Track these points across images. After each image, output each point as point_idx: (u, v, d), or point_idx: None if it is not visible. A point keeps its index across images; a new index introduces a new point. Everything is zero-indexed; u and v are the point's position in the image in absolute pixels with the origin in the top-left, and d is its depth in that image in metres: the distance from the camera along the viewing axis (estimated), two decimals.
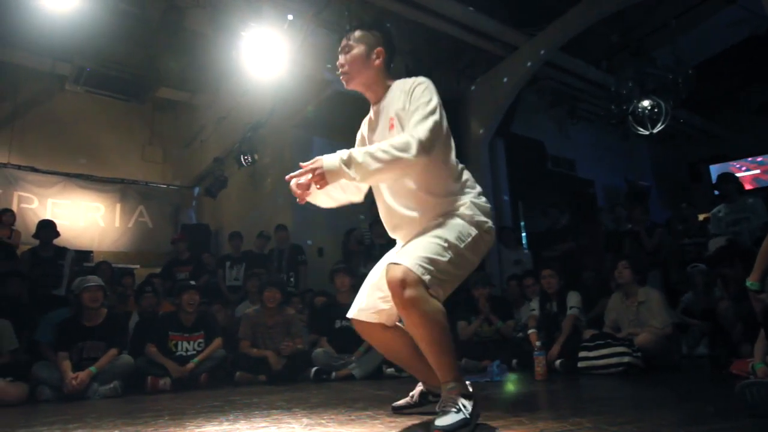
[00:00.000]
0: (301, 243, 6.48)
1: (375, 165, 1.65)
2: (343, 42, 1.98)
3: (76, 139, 8.77)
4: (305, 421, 2.02)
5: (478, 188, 1.97)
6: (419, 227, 1.86)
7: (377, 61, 1.95)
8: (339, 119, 6.89)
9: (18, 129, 8.29)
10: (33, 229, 5.71)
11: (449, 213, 1.85)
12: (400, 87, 1.91)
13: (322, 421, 1.98)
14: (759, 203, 4.91)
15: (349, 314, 2.01)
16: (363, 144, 2.11)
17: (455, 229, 1.80)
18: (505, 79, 6.77)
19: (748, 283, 2.24)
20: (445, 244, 1.74)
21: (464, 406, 1.63)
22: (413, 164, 1.70)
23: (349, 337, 4.48)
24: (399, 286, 1.62)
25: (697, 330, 4.83)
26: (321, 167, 1.66)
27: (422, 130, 1.71)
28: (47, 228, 5.59)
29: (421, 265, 1.65)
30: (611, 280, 4.36)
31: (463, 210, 1.85)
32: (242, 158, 7.18)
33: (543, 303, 4.50)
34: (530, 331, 4.21)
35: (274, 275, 5.78)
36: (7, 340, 3.91)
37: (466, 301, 4.87)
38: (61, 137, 8.61)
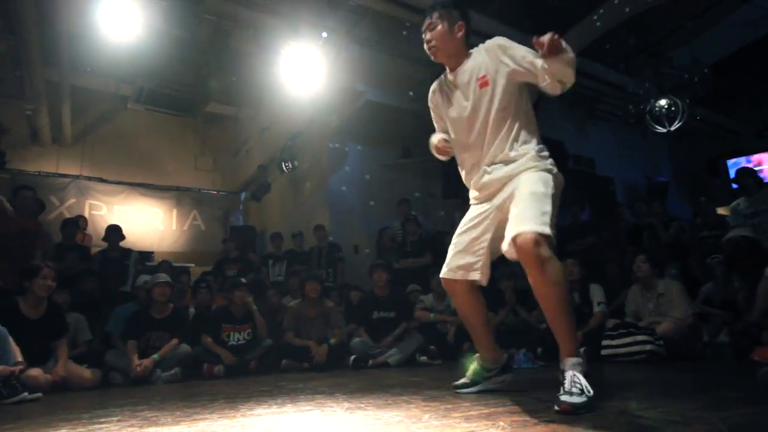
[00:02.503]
0: (338, 241, 6.52)
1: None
2: (426, 21, 2.09)
3: (137, 152, 9.06)
4: (346, 404, 2.03)
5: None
6: (508, 180, 1.97)
7: (459, 34, 2.06)
8: (371, 127, 6.93)
9: (88, 145, 8.63)
10: (102, 233, 5.89)
11: (530, 165, 1.95)
12: (483, 51, 2.05)
13: (362, 405, 1.99)
14: None
15: (441, 274, 2.14)
16: (437, 107, 2.22)
17: (543, 178, 1.90)
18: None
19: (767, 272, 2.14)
20: (547, 198, 1.83)
21: (587, 388, 1.61)
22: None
23: (386, 328, 4.52)
24: (534, 250, 1.70)
25: (718, 319, 4.65)
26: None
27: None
28: (114, 232, 5.76)
29: (544, 224, 1.74)
30: (632, 272, 4.23)
31: (540, 161, 1.97)
32: (283, 165, 7.29)
33: None
34: None
35: (313, 271, 5.84)
36: (82, 333, 4.09)
37: (492, 293, 4.81)
38: (124, 151, 8.91)
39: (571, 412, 1.53)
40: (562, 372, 1.71)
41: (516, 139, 2.01)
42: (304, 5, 5.51)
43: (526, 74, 1.95)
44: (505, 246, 1.83)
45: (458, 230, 2.14)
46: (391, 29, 6.25)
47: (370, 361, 4.30)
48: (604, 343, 3.69)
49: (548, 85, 1.88)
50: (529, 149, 1.98)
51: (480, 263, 2.05)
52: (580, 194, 7.53)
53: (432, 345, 4.44)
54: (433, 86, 2.22)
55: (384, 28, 6.24)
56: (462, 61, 2.09)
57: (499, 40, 2.02)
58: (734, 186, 5.32)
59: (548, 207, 1.80)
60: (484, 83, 2.00)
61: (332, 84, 6.08)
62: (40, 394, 2.99)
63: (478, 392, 2.18)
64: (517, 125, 2.01)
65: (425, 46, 2.10)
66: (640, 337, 3.52)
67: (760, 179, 5.03)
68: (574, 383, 1.63)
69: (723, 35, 7.28)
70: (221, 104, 8.81)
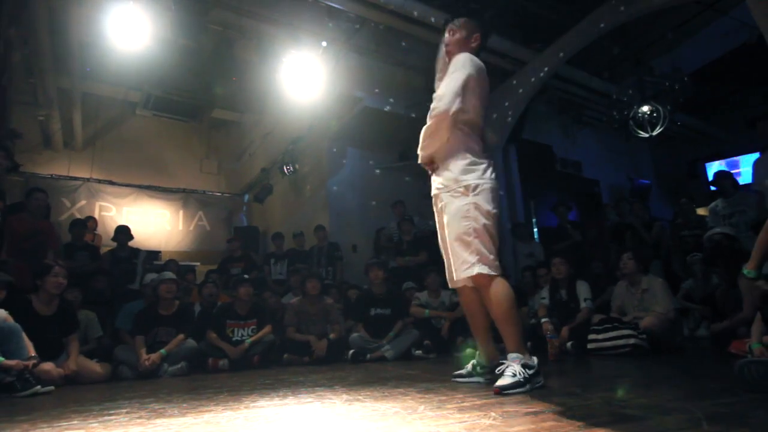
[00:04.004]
0: (337, 241, 6.52)
1: None
2: (449, 26, 2.21)
3: (145, 156, 9.04)
4: (345, 397, 2.04)
5: None
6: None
7: (474, 44, 2.18)
8: (369, 132, 6.93)
9: (98, 149, 8.61)
10: (112, 233, 5.89)
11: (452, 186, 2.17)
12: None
13: (360, 397, 1.99)
14: (753, 197, 4.71)
15: (450, 285, 2.26)
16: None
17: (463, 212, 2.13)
18: (520, 90, 6.67)
19: (745, 271, 2.15)
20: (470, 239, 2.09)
21: (520, 373, 1.87)
22: None
23: (382, 324, 4.52)
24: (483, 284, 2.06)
25: (697, 314, 4.68)
26: None
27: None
28: (123, 232, 5.75)
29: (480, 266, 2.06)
30: (617, 269, 4.25)
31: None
32: (285, 168, 7.28)
33: (553, 291, 4.40)
34: (543, 320, 4.11)
35: (313, 269, 5.84)
36: (93, 329, 4.08)
37: None
38: (133, 155, 8.89)
39: (500, 393, 1.83)
40: (501, 364, 2.02)
41: (450, 151, 2.10)
42: (304, 15, 5.52)
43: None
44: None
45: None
46: (389, 39, 6.26)
47: (368, 356, 4.29)
48: (590, 337, 3.70)
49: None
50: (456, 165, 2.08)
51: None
52: (568, 196, 7.58)
53: (427, 340, 4.44)
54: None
55: (381, 37, 6.25)
56: None
57: (461, 55, 2.12)
58: (712, 188, 5.35)
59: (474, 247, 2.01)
60: None
61: (332, 91, 6.08)
62: (52, 387, 2.98)
63: (470, 383, 2.19)
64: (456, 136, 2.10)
65: (443, 48, 2.21)
66: (624, 332, 3.53)
67: (736, 181, 5.06)
68: (507, 371, 1.90)
69: (701, 45, 7.33)
70: (225, 110, 8.83)
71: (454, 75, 2.03)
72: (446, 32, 2.20)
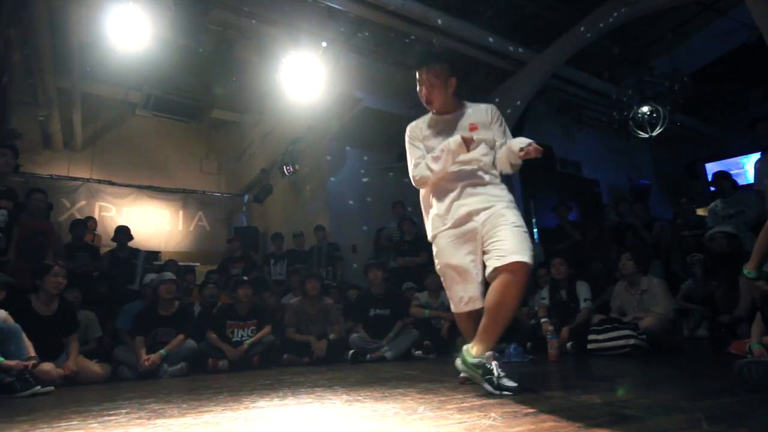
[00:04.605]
0: (337, 241, 6.52)
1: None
2: (423, 75, 2.19)
3: (145, 156, 9.03)
4: (345, 397, 2.03)
5: None
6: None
7: (451, 90, 2.21)
8: (368, 132, 6.93)
9: (98, 149, 8.61)
10: (111, 233, 5.86)
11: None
12: (478, 106, 2.27)
13: (360, 398, 1.99)
14: (752, 197, 4.71)
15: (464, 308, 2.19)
16: (426, 142, 2.28)
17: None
18: (520, 91, 6.67)
19: (745, 271, 2.15)
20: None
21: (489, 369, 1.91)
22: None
23: (382, 324, 4.52)
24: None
25: (697, 314, 4.68)
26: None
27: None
28: (123, 232, 5.74)
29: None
30: (616, 269, 4.25)
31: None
32: (285, 168, 7.28)
33: (553, 291, 4.40)
34: (542, 320, 4.11)
35: (313, 269, 5.84)
36: (93, 330, 4.07)
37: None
38: (133, 155, 8.89)
39: (464, 382, 2.11)
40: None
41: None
42: (304, 16, 5.52)
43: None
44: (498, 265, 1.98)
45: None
46: (388, 39, 6.26)
47: (368, 356, 4.29)
48: (590, 337, 3.70)
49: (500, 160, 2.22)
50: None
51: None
52: (568, 196, 7.58)
53: (427, 340, 4.43)
54: (421, 125, 2.31)
55: (381, 37, 6.25)
56: (453, 108, 2.25)
57: (496, 110, 2.28)
58: (712, 188, 5.35)
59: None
60: (475, 128, 2.19)
61: (331, 91, 6.08)
62: (52, 388, 2.98)
63: (469, 383, 2.16)
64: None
65: (422, 99, 2.22)
66: (624, 332, 3.53)
67: (735, 182, 5.06)
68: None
69: (701, 45, 7.33)
70: (225, 110, 8.83)
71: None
72: (421, 82, 2.20)
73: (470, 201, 2.12)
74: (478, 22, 5.86)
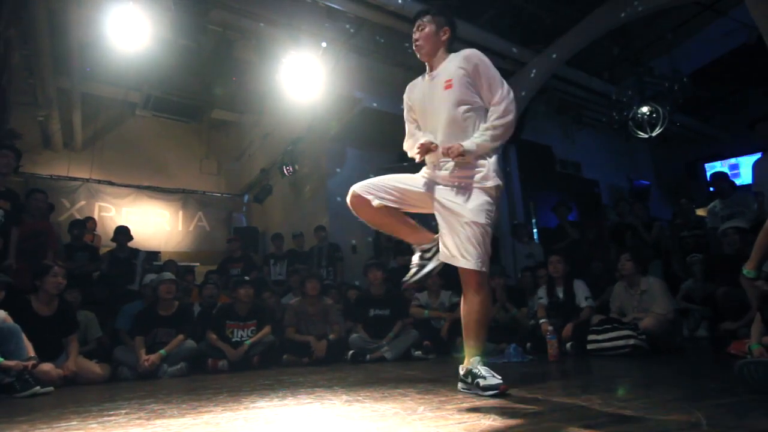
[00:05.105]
0: (337, 242, 6.52)
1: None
2: (417, 22, 2.21)
3: (144, 157, 9.03)
4: (344, 397, 2.03)
5: None
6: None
7: (444, 37, 2.19)
8: (368, 132, 6.92)
9: (98, 149, 8.60)
10: (111, 233, 5.87)
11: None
12: (456, 56, 2.14)
13: (359, 398, 1.99)
14: (751, 197, 4.71)
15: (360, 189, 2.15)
16: (411, 108, 2.31)
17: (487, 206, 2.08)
18: (520, 91, 6.67)
19: (744, 271, 2.15)
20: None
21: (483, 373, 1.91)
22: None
23: (381, 324, 4.52)
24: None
25: (697, 314, 4.68)
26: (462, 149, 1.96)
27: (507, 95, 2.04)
28: (123, 233, 5.74)
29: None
30: (616, 270, 4.25)
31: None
32: (284, 169, 7.27)
33: (550, 290, 4.39)
34: (542, 321, 4.10)
35: (313, 270, 5.83)
36: (93, 330, 4.07)
37: None
38: (132, 155, 8.88)
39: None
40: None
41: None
42: (304, 16, 5.52)
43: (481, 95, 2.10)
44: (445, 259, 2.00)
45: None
46: (388, 39, 6.26)
47: (368, 356, 4.29)
48: (590, 338, 3.70)
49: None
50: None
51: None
52: (567, 196, 7.58)
53: (426, 340, 4.43)
54: (410, 86, 2.33)
55: (381, 38, 6.25)
56: (439, 64, 2.18)
57: (477, 54, 2.10)
58: (711, 189, 5.36)
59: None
60: (449, 86, 2.08)
61: (331, 91, 6.07)
62: (51, 388, 2.98)
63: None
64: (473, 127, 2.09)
65: (414, 46, 2.22)
66: (623, 332, 3.53)
67: (733, 182, 5.07)
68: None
69: (701, 45, 7.34)
70: (225, 111, 8.82)
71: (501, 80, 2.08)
72: (415, 30, 2.22)
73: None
74: (478, 23, 5.86)
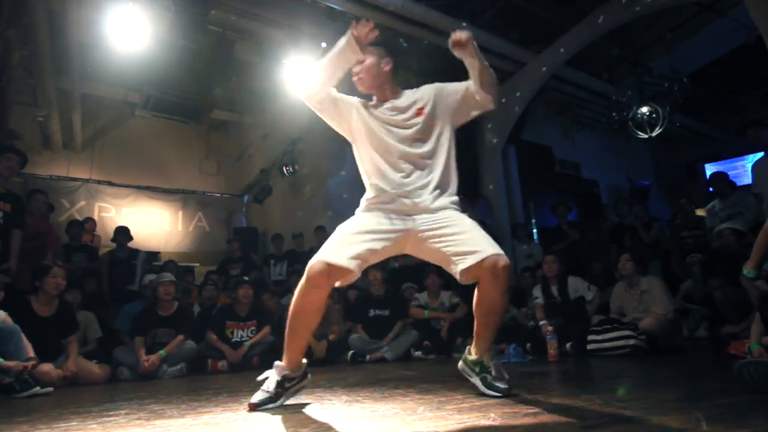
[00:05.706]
0: None
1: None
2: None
3: (144, 157, 9.04)
4: (344, 398, 2.03)
5: None
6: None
7: (387, 68, 2.11)
8: None
9: (98, 150, 8.61)
10: (111, 234, 5.87)
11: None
12: (422, 89, 2.10)
13: (359, 398, 1.99)
14: (750, 198, 4.71)
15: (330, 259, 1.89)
16: (362, 118, 2.15)
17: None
18: (518, 93, 6.68)
19: (744, 271, 2.16)
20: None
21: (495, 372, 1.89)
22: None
23: (381, 325, 4.51)
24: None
25: (696, 314, 4.68)
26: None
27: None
28: (122, 233, 5.74)
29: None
30: (616, 270, 4.25)
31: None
32: (284, 169, 7.28)
33: (545, 289, 4.39)
34: (541, 323, 4.09)
35: None
36: (92, 330, 4.07)
37: None
38: (132, 155, 8.89)
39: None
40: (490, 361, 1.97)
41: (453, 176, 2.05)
42: (304, 17, 5.52)
43: (460, 100, 2.03)
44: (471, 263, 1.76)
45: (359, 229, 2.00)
46: (387, 40, 6.26)
47: (368, 357, 4.29)
48: (590, 338, 3.70)
49: (477, 93, 1.97)
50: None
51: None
52: (567, 196, 7.58)
53: (426, 341, 4.43)
54: (358, 104, 2.18)
55: (379, 38, 6.25)
56: (390, 95, 2.12)
57: (435, 84, 2.09)
58: (710, 189, 5.36)
59: None
60: (420, 114, 2.03)
61: None
62: (51, 389, 2.98)
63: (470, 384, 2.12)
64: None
65: (353, 78, 2.12)
66: (623, 332, 3.53)
67: (733, 183, 5.07)
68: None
69: (701, 46, 7.33)
70: (225, 111, 8.83)
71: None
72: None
73: None
74: (478, 23, 5.86)
